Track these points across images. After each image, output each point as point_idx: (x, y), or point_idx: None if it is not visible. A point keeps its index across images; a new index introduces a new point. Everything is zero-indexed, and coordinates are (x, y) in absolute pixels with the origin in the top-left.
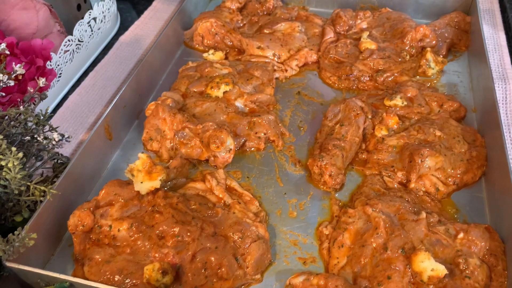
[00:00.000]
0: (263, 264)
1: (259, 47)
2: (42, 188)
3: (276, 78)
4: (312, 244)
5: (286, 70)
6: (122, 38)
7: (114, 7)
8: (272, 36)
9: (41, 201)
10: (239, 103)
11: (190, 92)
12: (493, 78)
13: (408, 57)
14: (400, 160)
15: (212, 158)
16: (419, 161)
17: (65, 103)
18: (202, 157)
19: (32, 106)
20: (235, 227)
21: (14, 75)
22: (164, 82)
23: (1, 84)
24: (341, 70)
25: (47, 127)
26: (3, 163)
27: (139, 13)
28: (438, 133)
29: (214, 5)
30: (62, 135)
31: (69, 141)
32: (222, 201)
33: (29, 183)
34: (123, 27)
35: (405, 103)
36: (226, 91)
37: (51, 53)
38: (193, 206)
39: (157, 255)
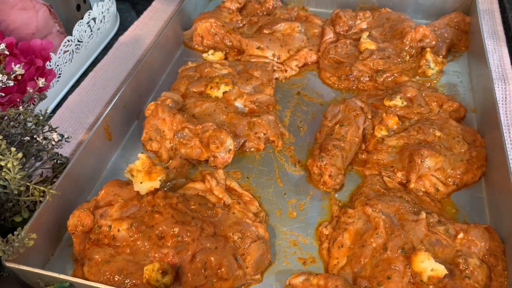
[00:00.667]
0: (263, 264)
1: (258, 48)
2: (42, 188)
3: (276, 79)
4: (312, 244)
5: (286, 71)
6: (122, 38)
7: (113, 8)
8: (272, 36)
9: (40, 202)
10: (238, 103)
11: (189, 92)
12: (492, 78)
13: (407, 57)
14: (400, 160)
15: (212, 159)
16: (419, 161)
17: (65, 103)
18: (201, 157)
19: (32, 106)
20: (235, 227)
21: (14, 75)
22: (163, 82)
23: (1, 85)
24: (341, 70)
25: (46, 128)
26: (2, 163)
27: (139, 13)
28: (438, 133)
29: (214, 5)
30: (62, 136)
31: (68, 141)
32: (222, 201)
33: (28, 184)
34: (122, 28)
35: (405, 103)
36: (225, 91)
37: (50, 54)
38: (192, 206)
39: (157, 255)
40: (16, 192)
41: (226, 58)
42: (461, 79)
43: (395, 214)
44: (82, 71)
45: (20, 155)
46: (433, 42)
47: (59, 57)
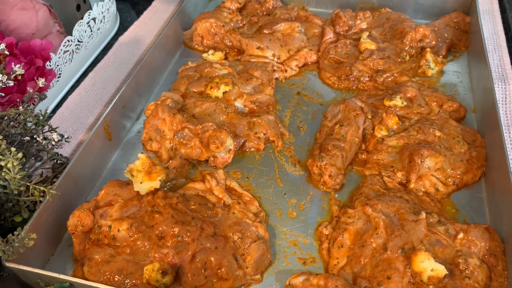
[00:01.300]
0: (263, 264)
1: (258, 48)
2: (42, 188)
3: (276, 79)
4: (312, 244)
5: (286, 71)
6: (122, 38)
7: (113, 8)
8: (272, 36)
9: (40, 202)
10: (238, 104)
11: (189, 93)
12: (492, 78)
13: (407, 57)
14: (400, 161)
15: (212, 159)
16: (419, 161)
17: (65, 103)
18: (201, 157)
19: (32, 106)
20: (235, 227)
21: (14, 75)
22: (163, 82)
23: (1, 85)
24: (341, 70)
25: (46, 128)
26: (2, 163)
27: (139, 13)
28: (438, 133)
29: (214, 5)
30: (62, 136)
31: (68, 142)
32: (222, 201)
33: (28, 184)
34: (122, 28)
35: (405, 103)
36: (225, 91)
37: (50, 54)
38: (192, 207)
39: (157, 255)
40: (16, 192)
41: (226, 58)
42: (461, 79)
43: (395, 214)
44: (82, 71)
45: (20, 155)
46: (433, 42)
47: (59, 57)
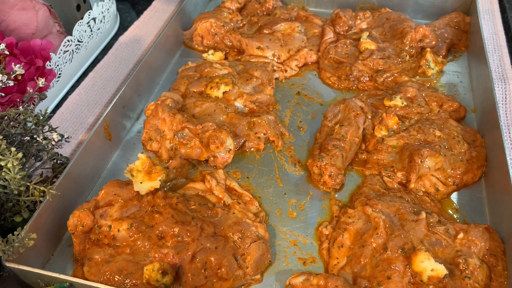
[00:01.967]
0: (263, 264)
1: (258, 48)
2: (42, 188)
3: (276, 79)
4: (312, 244)
5: (286, 71)
6: (122, 38)
7: (113, 8)
8: (272, 36)
9: (40, 202)
10: (238, 103)
11: (189, 92)
12: (492, 78)
13: (407, 57)
14: (400, 161)
15: (212, 159)
16: (419, 161)
17: (65, 103)
18: (201, 157)
19: (32, 106)
20: (235, 227)
21: (14, 75)
22: (163, 82)
23: (1, 84)
24: (341, 70)
25: (46, 128)
26: (2, 163)
27: (139, 13)
28: (438, 133)
29: (214, 5)
30: (62, 136)
31: (68, 141)
32: (222, 201)
33: (28, 184)
34: (122, 28)
35: (405, 103)
36: (225, 91)
37: (50, 54)
38: (192, 206)
39: (157, 255)
40: (16, 192)
41: (226, 58)
42: (461, 79)
43: (395, 214)
44: (82, 71)
45: (20, 155)
46: (433, 42)
47: (59, 57)
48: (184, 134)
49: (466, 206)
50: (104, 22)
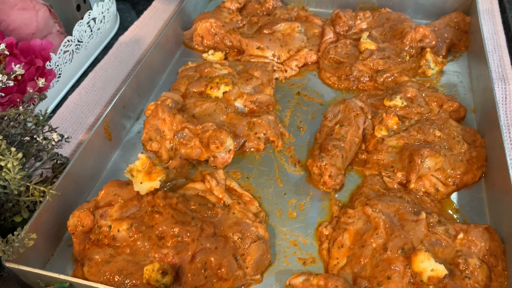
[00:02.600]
0: (263, 264)
1: (258, 48)
2: (42, 188)
3: (276, 79)
4: (312, 244)
5: (286, 71)
6: (122, 38)
7: (113, 8)
8: (272, 36)
9: (40, 202)
10: (238, 104)
11: (189, 93)
12: (492, 78)
13: (407, 57)
14: (400, 161)
15: (212, 159)
16: (419, 162)
17: (65, 103)
18: (201, 157)
19: (32, 106)
20: (235, 227)
21: (14, 75)
22: (163, 82)
23: (1, 85)
24: (341, 70)
25: (46, 128)
26: (2, 163)
27: (139, 13)
28: (437, 133)
29: (214, 5)
30: (62, 136)
31: (68, 142)
32: (222, 201)
33: (28, 184)
34: (122, 28)
35: (405, 103)
36: (225, 91)
37: (50, 54)
38: (192, 207)
39: (156, 255)
40: (16, 192)
41: (226, 58)
42: (461, 79)
43: (395, 214)
44: (82, 71)
45: (20, 155)
46: (433, 42)
47: (59, 57)
48: (184, 134)
49: (466, 206)
50: (104, 22)
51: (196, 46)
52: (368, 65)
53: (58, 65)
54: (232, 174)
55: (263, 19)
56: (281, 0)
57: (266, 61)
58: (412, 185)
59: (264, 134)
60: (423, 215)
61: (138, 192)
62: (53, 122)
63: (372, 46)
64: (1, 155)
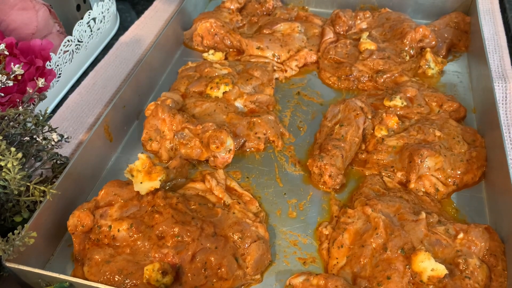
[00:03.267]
0: (263, 264)
1: (258, 48)
2: (42, 188)
3: (276, 79)
4: (312, 244)
5: (286, 71)
6: (122, 38)
7: (113, 8)
8: (272, 36)
9: (40, 202)
10: (238, 104)
11: (189, 93)
12: (492, 78)
13: (407, 57)
14: (399, 161)
15: (212, 159)
16: (419, 162)
17: (65, 102)
18: (201, 157)
19: (32, 106)
20: (235, 227)
21: (13, 75)
22: (163, 82)
23: (1, 85)
24: (341, 70)
25: (46, 128)
26: (2, 163)
27: (139, 13)
28: (437, 133)
29: (214, 5)
30: (62, 136)
31: (68, 142)
32: (222, 201)
33: (28, 184)
34: (122, 28)
35: (405, 103)
36: (225, 91)
37: (50, 54)
38: (193, 206)
39: (157, 255)
40: (16, 192)
41: (226, 58)
42: (461, 79)
43: (395, 214)
44: (82, 71)
45: (20, 155)
46: (433, 42)
47: (59, 57)
48: (184, 134)
49: (466, 206)
50: (104, 22)
51: (196, 46)
52: (368, 65)
53: (58, 65)
54: (232, 174)
55: (263, 19)
56: (281, 0)
57: (266, 61)
58: (412, 185)
59: (264, 134)
60: (423, 215)
61: (138, 192)
62: (54, 121)
63: (372, 46)
64: (1, 155)
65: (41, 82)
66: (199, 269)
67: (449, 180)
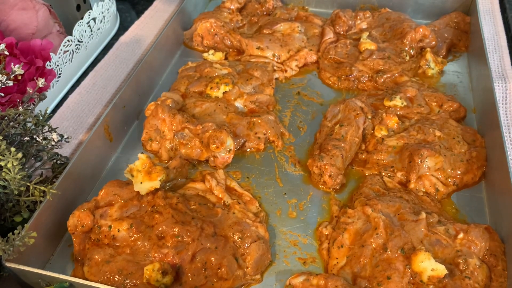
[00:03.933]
0: (263, 264)
1: (258, 48)
2: (42, 188)
3: (276, 79)
4: (312, 244)
5: (286, 71)
6: (122, 38)
7: (113, 8)
8: (272, 36)
9: (40, 201)
10: (238, 104)
11: (189, 93)
12: (492, 78)
13: (408, 57)
14: (399, 161)
15: (212, 159)
16: (419, 162)
17: (66, 102)
18: (201, 157)
19: (32, 106)
20: (235, 227)
21: (13, 75)
22: (163, 82)
23: (0, 85)
24: (341, 70)
25: (46, 128)
26: (2, 163)
27: (139, 13)
28: (437, 133)
29: (214, 5)
30: (62, 136)
31: (68, 142)
32: (222, 201)
33: (28, 184)
34: (122, 28)
35: (405, 103)
36: (225, 91)
37: (50, 54)
38: (193, 206)
39: (157, 255)
40: (16, 192)
41: (226, 58)
42: (461, 79)
43: (395, 214)
44: (82, 71)
45: (20, 155)
46: (433, 42)
47: (59, 57)
48: (184, 134)
49: (466, 206)
50: (104, 22)
51: (196, 46)
52: (368, 65)
53: (58, 65)
54: (232, 174)
55: (263, 19)
56: (281, 0)
57: (266, 61)
58: (412, 185)
59: (264, 134)
60: (423, 215)
61: (138, 192)
62: (54, 121)
63: (372, 46)
64: (1, 155)
65: (41, 82)
66: (199, 269)
67: (449, 180)
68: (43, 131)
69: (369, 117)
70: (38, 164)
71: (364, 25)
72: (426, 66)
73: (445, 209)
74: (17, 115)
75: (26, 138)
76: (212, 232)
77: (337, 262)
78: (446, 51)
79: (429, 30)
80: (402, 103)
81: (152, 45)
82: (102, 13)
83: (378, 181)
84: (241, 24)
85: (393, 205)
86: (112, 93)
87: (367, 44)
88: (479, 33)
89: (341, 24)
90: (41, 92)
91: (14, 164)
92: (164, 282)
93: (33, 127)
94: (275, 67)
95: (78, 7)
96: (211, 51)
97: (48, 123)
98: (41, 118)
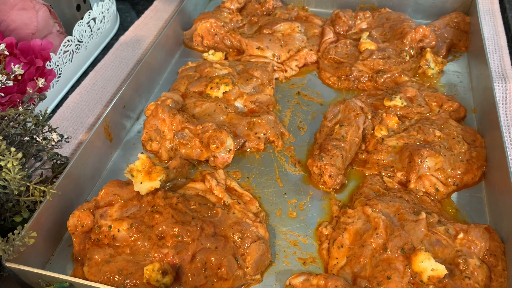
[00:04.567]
0: (263, 264)
1: (258, 48)
2: (42, 188)
3: (276, 79)
4: (312, 244)
5: (286, 71)
6: (122, 38)
7: (113, 8)
8: (272, 36)
9: (40, 201)
10: (238, 104)
11: (189, 93)
12: (492, 78)
13: (408, 57)
14: (399, 161)
15: (212, 159)
16: (419, 162)
17: (66, 102)
18: (201, 157)
19: (32, 106)
20: (235, 227)
21: (13, 75)
22: (163, 82)
23: (1, 85)
24: (341, 70)
25: (46, 128)
26: (2, 163)
27: (139, 13)
28: (437, 133)
29: (214, 5)
30: (61, 136)
31: (68, 142)
32: (222, 201)
33: (28, 184)
34: (122, 28)
35: (405, 103)
36: (225, 91)
37: (50, 54)
38: (193, 206)
39: (157, 255)
40: (16, 192)
41: (226, 58)
42: (461, 79)
43: (395, 214)
44: (82, 71)
45: (20, 155)
46: (433, 42)
47: (59, 57)
48: (184, 134)
49: (466, 206)
50: (104, 22)
51: (196, 46)
52: (368, 65)
53: (58, 65)
54: (232, 174)
55: (263, 19)
56: (281, 0)
57: (266, 61)
58: (412, 185)
59: (264, 134)
60: (423, 215)
61: (138, 192)
62: (54, 121)
63: (372, 46)
64: (1, 155)
65: (41, 82)
66: (199, 269)
67: (449, 180)
68: (43, 131)
69: (369, 117)
70: (38, 164)
71: (364, 25)
72: (426, 66)
73: (445, 209)
74: (17, 115)
75: (26, 138)
76: (212, 232)
77: (337, 262)
78: (446, 51)
79: (429, 30)
80: (402, 103)
81: (152, 45)
82: (102, 13)
83: (378, 181)
84: (241, 24)
85: (393, 205)
86: (112, 93)
87: (367, 44)
88: (479, 33)
89: (341, 24)
90: (41, 92)
91: (14, 164)
92: (164, 282)
93: (33, 127)
94: (275, 67)
95: (78, 7)
96: (211, 51)
97: (48, 123)
98: (41, 118)
